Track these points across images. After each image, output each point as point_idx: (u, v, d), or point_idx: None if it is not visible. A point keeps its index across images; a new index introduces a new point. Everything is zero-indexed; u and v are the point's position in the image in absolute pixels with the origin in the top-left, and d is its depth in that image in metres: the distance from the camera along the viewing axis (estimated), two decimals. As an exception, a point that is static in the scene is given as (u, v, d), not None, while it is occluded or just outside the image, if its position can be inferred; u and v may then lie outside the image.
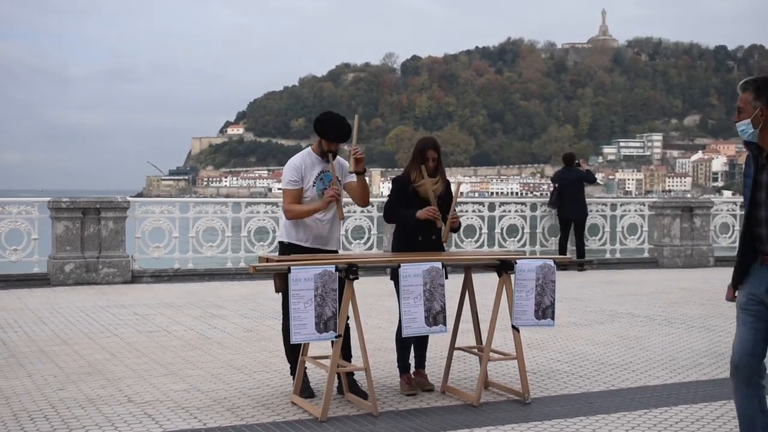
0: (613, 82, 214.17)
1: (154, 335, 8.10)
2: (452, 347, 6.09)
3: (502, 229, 15.26)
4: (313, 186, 5.89)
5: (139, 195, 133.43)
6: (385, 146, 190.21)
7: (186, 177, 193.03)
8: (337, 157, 5.99)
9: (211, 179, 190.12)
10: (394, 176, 6.37)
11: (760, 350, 4.12)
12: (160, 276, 12.74)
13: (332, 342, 5.37)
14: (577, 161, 15.23)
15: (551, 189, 15.69)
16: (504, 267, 5.76)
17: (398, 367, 6.04)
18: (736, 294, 4.28)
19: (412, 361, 6.10)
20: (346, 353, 5.83)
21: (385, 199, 14.83)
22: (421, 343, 6.10)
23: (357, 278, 5.32)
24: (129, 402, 5.57)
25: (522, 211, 15.57)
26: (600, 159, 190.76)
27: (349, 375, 5.83)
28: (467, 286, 6.00)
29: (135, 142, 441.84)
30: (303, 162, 5.92)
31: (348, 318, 5.60)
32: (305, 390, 5.74)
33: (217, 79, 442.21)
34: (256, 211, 13.89)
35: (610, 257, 15.82)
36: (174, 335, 8.11)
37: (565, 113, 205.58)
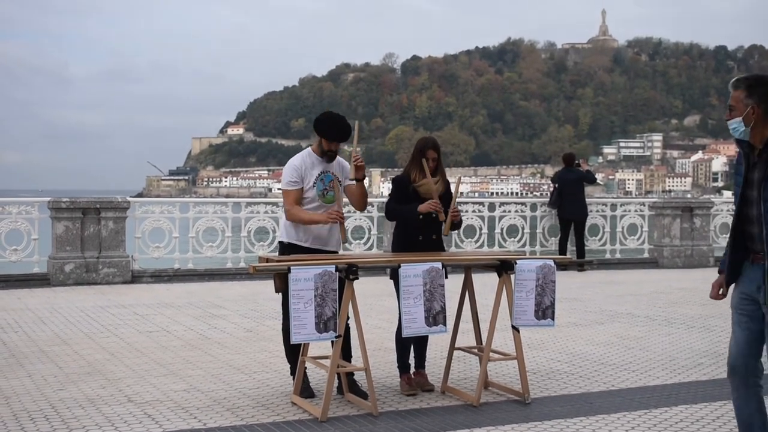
0: (613, 83, 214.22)
1: (154, 335, 8.10)
2: (452, 347, 6.09)
3: (502, 229, 15.26)
4: (313, 186, 5.89)
5: (139, 195, 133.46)
6: (385, 146, 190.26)
7: (186, 177, 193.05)
8: (338, 158, 5.99)
9: (211, 179, 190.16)
10: (393, 176, 6.35)
11: (756, 350, 4.12)
12: (160, 276, 12.74)
13: (332, 342, 5.37)
14: (577, 161, 15.23)
15: (551, 189, 15.69)
16: (504, 267, 5.76)
17: (398, 368, 6.04)
18: (720, 292, 4.28)
19: (411, 361, 6.10)
20: (346, 353, 5.83)
21: (384, 200, 14.83)
22: (420, 343, 6.10)
23: (357, 278, 5.32)
24: (129, 402, 5.57)
25: (522, 211, 15.57)
26: (600, 159, 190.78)
27: (349, 375, 5.83)
28: (467, 286, 6.00)
29: (135, 142, 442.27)
30: (303, 162, 5.92)
31: (348, 318, 5.60)
32: (305, 390, 5.74)
33: (217, 79, 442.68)
34: (256, 211, 13.89)
35: (610, 257, 15.82)
36: (174, 335, 8.11)
37: (565, 113, 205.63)
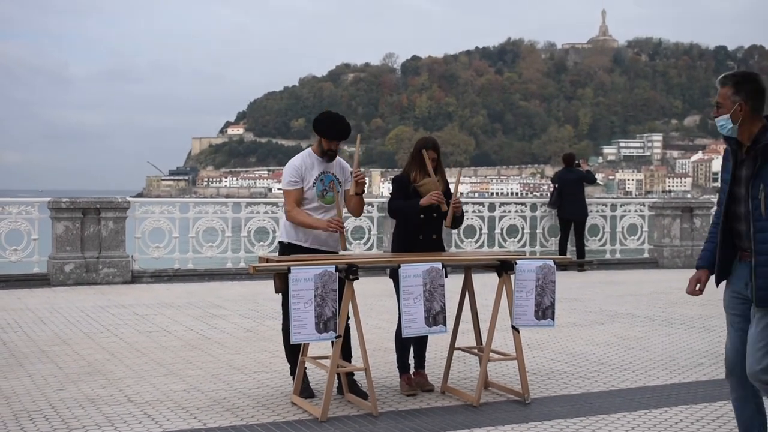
0: (613, 83, 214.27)
1: (154, 335, 8.10)
2: (452, 347, 6.10)
3: (502, 229, 15.27)
4: (313, 187, 5.89)
5: (139, 195, 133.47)
6: (385, 146, 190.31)
7: (186, 177, 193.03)
8: (339, 158, 5.99)
9: (211, 179, 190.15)
10: (393, 176, 6.35)
11: None
12: (160, 276, 12.74)
13: (332, 342, 5.37)
14: (577, 161, 15.23)
15: (551, 189, 15.69)
16: (504, 267, 5.76)
17: (398, 368, 6.04)
18: (697, 288, 4.27)
19: (411, 361, 6.10)
20: (346, 353, 5.84)
21: (384, 200, 14.81)
22: (420, 343, 6.10)
23: (357, 278, 5.32)
24: (129, 402, 5.57)
25: (522, 211, 15.57)
26: (600, 159, 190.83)
27: (349, 375, 5.83)
28: (467, 286, 6.00)
29: (135, 142, 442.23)
30: (303, 162, 5.92)
31: (348, 318, 5.61)
32: (305, 390, 5.74)
33: (217, 79, 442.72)
34: (256, 211, 13.89)
35: (610, 258, 15.83)
36: (174, 335, 8.12)
37: (565, 113, 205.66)
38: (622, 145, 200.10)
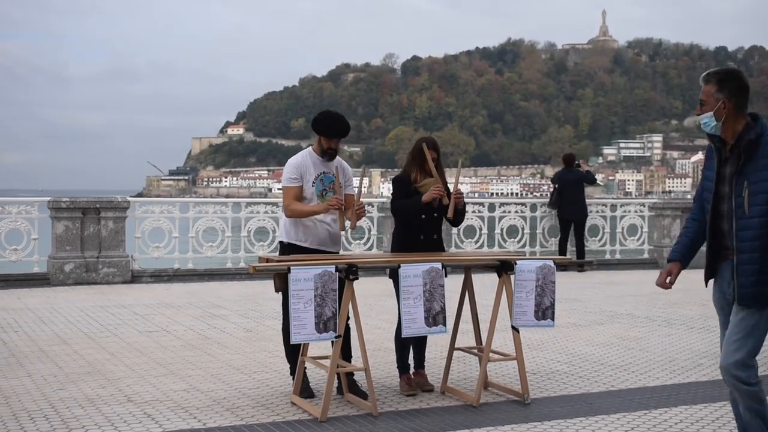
0: (614, 83, 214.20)
1: (154, 335, 8.10)
2: (452, 348, 6.10)
3: (502, 229, 15.27)
4: (312, 186, 5.90)
5: (139, 195, 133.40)
6: (385, 146, 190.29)
7: (186, 177, 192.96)
8: (339, 158, 5.99)
9: (211, 179, 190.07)
10: (393, 176, 6.35)
11: None
12: (160, 276, 12.75)
13: (332, 342, 5.38)
14: (577, 162, 15.24)
15: (551, 190, 15.70)
16: (504, 267, 5.76)
17: (398, 368, 6.04)
18: (667, 281, 4.27)
19: (411, 361, 6.10)
20: (346, 353, 5.84)
21: (384, 199, 14.83)
22: (419, 343, 6.10)
23: (357, 278, 5.32)
24: (129, 402, 5.57)
25: (522, 211, 15.58)
26: (600, 160, 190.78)
27: (349, 375, 5.83)
28: (467, 286, 6.01)
29: (135, 142, 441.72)
30: (303, 161, 5.94)
31: (348, 318, 5.61)
32: (305, 390, 5.74)
33: (217, 79, 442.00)
34: (256, 211, 13.90)
35: (610, 258, 15.84)
36: (174, 335, 8.12)
37: (565, 114, 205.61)
38: (622, 145, 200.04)
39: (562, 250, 14.74)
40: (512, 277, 5.75)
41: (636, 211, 16.48)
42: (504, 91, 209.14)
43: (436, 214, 6.03)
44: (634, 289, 12.11)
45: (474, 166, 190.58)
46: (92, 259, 12.20)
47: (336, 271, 5.25)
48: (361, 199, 5.94)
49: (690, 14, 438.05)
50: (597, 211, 16.12)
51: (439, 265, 5.51)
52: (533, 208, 15.86)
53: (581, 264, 14.74)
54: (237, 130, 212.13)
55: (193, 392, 5.85)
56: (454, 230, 14.38)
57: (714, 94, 4.03)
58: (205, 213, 13.50)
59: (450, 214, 5.96)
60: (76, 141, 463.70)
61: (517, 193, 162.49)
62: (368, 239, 14.26)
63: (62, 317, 9.12)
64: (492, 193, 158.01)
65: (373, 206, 14.44)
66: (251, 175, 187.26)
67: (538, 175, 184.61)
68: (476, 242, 14.92)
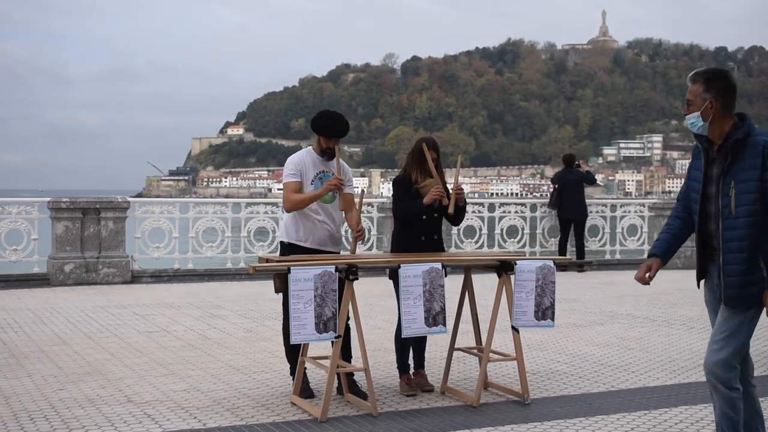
0: (613, 83, 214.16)
1: (154, 335, 8.10)
2: (452, 348, 6.10)
3: (502, 229, 15.27)
4: (311, 185, 5.91)
5: (139, 195, 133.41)
6: (385, 147, 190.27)
7: (186, 177, 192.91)
8: (341, 160, 5.99)
9: (211, 179, 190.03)
10: (394, 177, 6.35)
11: None
12: (160, 276, 12.75)
13: (332, 342, 5.38)
14: (577, 162, 15.25)
15: (551, 190, 15.70)
16: (504, 268, 5.76)
17: (398, 368, 6.04)
18: (647, 275, 4.26)
19: (411, 361, 6.10)
20: (345, 354, 5.84)
21: (384, 200, 14.82)
22: (419, 343, 6.10)
23: (357, 279, 5.32)
24: (129, 402, 5.57)
25: (522, 212, 15.58)
26: (600, 160, 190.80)
27: (349, 375, 5.83)
28: (467, 286, 6.01)
29: (135, 142, 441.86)
30: (302, 159, 5.95)
31: (348, 318, 5.61)
32: (305, 390, 5.74)
33: (217, 79, 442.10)
34: (256, 211, 13.90)
35: (610, 258, 15.84)
36: (174, 335, 8.12)
37: (565, 114, 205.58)
38: (622, 145, 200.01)
39: (562, 251, 14.75)
40: (512, 277, 5.76)
41: (636, 212, 16.48)
42: (504, 91, 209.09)
43: (436, 215, 6.03)
44: (634, 290, 12.11)
45: (474, 167, 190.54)
46: (92, 260, 12.20)
47: (336, 271, 5.25)
48: (361, 225, 5.95)
49: (690, 14, 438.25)
50: (597, 212, 16.12)
51: (439, 266, 5.51)
52: (533, 208, 15.86)
53: (581, 264, 14.74)
54: (237, 131, 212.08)
55: (193, 392, 5.85)
56: (454, 230, 14.39)
57: (701, 94, 4.02)
58: (205, 213, 13.50)
59: (451, 210, 5.94)
60: (76, 141, 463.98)
61: (517, 194, 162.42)
62: (368, 239, 14.26)
63: (62, 317, 9.12)
64: (492, 194, 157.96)
65: (373, 206, 14.44)
66: (251, 175, 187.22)
67: (538, 176, 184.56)
68: (476, 242, 14.92)
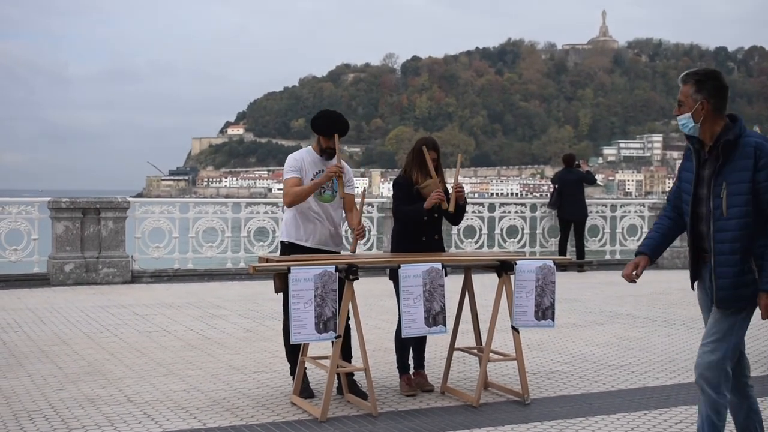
0: (614, 83, 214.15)
1: (154, 335, 8.10)
2: (452, 348, 6.10)
3: (502, 229, 15.28)
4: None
5: (139, 195, 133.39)
6: (385, 147, 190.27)
7: (186, 177, 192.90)
8: (341, 160, 5.99)
9: (211, 179, 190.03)
10: (394, 177, 6.35)
11: None
12: (160, 276, 12.75)
13: (332, 342, 5.38)
14: (577, 162, 15.25)
15: (551, 190, 15.70)
16: (504, 268, 5.76)
17: (398, 368, 6.04)
18: (634, 273, 4.24)
19: (411, 361, 6.10)
20: (345, 354, 5.84)
21: (384, 200, 14.81)
22: (419, 343, 6.10)
23: (357, 279, 5.32)
24: (129, 402, 5.57)
25: (522, 212, 15.59)
26: (600, 160, 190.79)
27: (349, 375, 5.83)
28: (467, 286, 6.01)
29: (135, 142, 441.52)
30: (302, 157, 5.97)
31: (348, 318, 5.61)
32: (305, 390, 5.75)
33: (217, 79, 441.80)
34: (256, 211, 13.90)
35: (610, 258, 15.84)
36: (174, 335, 8.12)
37: (565, 114, 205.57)
38: (622, 145, 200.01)
39: (562, 251, 14.75)
40: (512, 277, 5.76)
41: (636, 212, 16.49)
42: (504, 91, 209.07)
43: (436, 215, 6.03)
44: (634, 290, 12.11)
45: (474, 167, 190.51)
46: (92, 260, 12.20)
47: (336, 271, 5.25)
48: (362, 224, 5.94)
49: (690, 14, 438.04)
50: (597, 212, 16.13)
51: (439, 266, 5.51)
52: (533, 208, 15.87)
53: (581, 264, 14.74)
54: (237, 131, 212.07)
55: (193, 392, 5.85)
56: (454, 230, 14.39)
57: (692, 95, 4.00)
58: (205, 213, 13.50)
59: (451, 208, 5.94)
60: (76, 141, 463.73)
61: (517, 194, 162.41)
62: (368, 239, 14.26)
63: (62, 317, 9.12)
64: (492, 194, 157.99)
65: (373, 206, 14.44)
66: (251, 175, 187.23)
67: (538, 176, 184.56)
68: (476, 242, 14.92)
